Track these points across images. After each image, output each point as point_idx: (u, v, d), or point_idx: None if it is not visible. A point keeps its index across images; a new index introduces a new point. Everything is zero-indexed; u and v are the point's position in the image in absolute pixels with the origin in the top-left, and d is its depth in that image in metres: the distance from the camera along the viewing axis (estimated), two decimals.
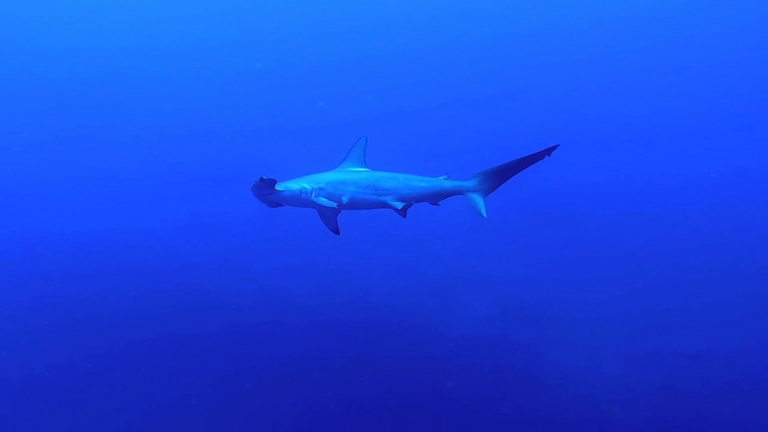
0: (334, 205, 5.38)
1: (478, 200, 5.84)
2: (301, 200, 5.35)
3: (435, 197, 5.91)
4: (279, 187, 5.25)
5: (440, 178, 5.98)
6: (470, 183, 5.89)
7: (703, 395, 7.50)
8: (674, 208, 20.28)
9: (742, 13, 36.35)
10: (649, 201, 22.10)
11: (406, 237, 17.28)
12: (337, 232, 5.91)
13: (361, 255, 16.29)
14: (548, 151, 5.40)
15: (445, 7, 39.73)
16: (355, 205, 5.57)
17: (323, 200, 5.34)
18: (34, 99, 38.46)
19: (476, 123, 40.64)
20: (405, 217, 5.62)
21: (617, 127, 37.43)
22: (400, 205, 5.55)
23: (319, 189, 5.37)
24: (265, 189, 5.18)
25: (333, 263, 15.31)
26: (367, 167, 5.91)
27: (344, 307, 11.75)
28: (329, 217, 5.81)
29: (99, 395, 8.18)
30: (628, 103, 40.19)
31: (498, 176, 5.79)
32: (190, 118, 40.02)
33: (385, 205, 5.63)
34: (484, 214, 5.78)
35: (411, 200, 5.67)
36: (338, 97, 41.87)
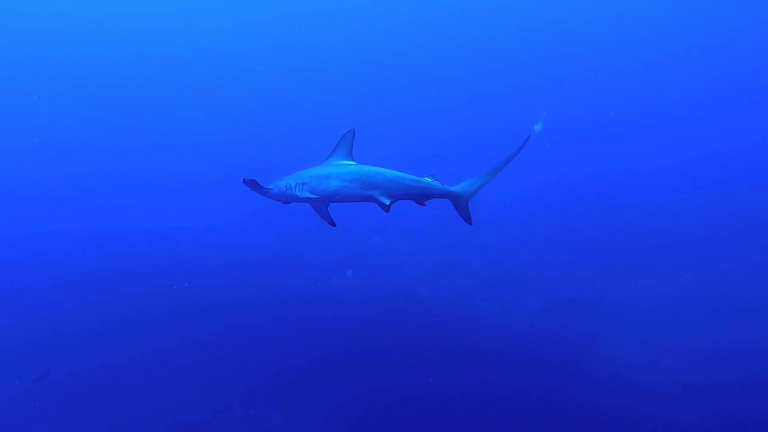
0: (317, 197, 5.52)
1: (465, 207, 5.94)
2: (288, 196, 5.55)
3: (422, 197, 5.92)
4: (269, 185, 5.51)
5: (425, 178, 5.96)
6: (458, 188, 5.94)
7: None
8: (732, 191, 18.79)
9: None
10: (706, 184, 20.56)
11: (449, 231, 17.02)
12: (332, 224, 6.05)
13: (406, 250, 16.25)
14: (523, 144, 5.50)
15: (433, 8, 38.90)
16: (340, 198, 5.66)
17: (307, 194, 5.49)
18: (116, 107, 40.94)
19: (472, 123, 39.58)
20: (388, 212, 5.65)
21: (661, 114, 35.13)
22: (387, 201, 5.59)
23: (303, 184, 5.53)
24: (253, 189, 5.42)
25: (379, 258, 15.38)
26: (354, 161, 5.94)
27: (393, 300, 11.85)
28: (320, 210, 5.97)
29: (168, 383, 8.77)
30: (659, 89, 37.56)
31: (483, 181, 5.88)
32: (240, 123, 41.43)
33: (371, 198, 5.67)
34: (471, 222, 5.95)
35: (398, 197, 5.73)
36: (357, 98, 42.09)
